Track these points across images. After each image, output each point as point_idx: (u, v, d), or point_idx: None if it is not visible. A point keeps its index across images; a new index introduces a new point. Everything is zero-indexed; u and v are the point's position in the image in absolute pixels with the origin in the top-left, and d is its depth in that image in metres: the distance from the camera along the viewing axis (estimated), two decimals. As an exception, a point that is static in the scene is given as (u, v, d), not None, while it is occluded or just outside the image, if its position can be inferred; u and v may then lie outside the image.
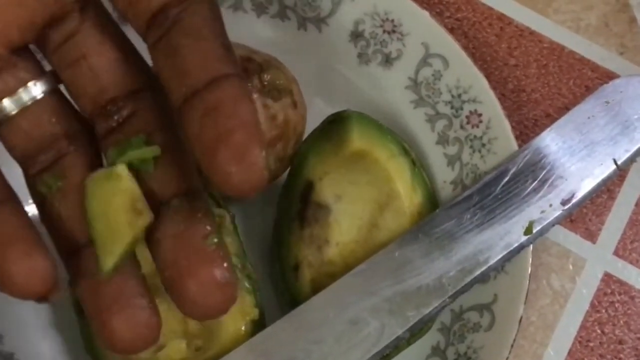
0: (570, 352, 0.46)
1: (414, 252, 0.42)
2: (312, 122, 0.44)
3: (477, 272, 0.41)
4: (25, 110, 0.31)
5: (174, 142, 0.31)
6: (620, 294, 0.47)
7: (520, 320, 0.41)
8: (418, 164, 0.44)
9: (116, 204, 0.29)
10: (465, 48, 0.45)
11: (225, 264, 0.29)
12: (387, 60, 0.46)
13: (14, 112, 0.31)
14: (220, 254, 0.29)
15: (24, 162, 0.31)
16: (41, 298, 0.28)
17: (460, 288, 0.41)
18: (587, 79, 0.49)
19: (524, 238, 0.42)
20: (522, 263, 0.42)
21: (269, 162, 0.27)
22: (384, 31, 0.46)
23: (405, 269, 0.41)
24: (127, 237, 0.29)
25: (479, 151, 0.44)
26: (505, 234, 0.42)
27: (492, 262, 0.41)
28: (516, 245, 0.41)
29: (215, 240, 0.29)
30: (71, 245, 0.30)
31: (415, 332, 0.41)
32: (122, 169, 0.29)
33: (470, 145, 0.45)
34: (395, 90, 0.46)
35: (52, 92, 0.32)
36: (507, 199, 0.42)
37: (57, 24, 0.31)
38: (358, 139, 0.43)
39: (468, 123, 0.45)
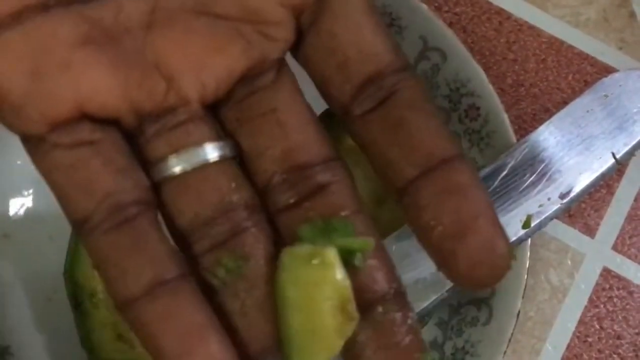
0: (568, 347, 0.46)
1: (411, 246, 0.41)
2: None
3: (475, 266, 0.41)
4: (202, 168, 0.26)
5: (375, 230, 0.26)
6: (618, 289, 0.47)
7: (518, 314, 0.41)
8: (416, 158, 0.44)
9: (322, 299, 0.23)
10: (464, 42, 0.45)
11: None
12: (385, 54, 0.46)
13: (189, 169, 0.26)
14: None
15: (190, 233, 0.26)
16: None
17: (457, 282, 0.41)
18: (586, 74, 0.49)
19: (522, 232, 0.41)
20: (520, 257, 0.42)
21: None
22: (382, 24, 0.45)
23: (402, 263, 0.41)
24: (335, 346, 0.23)
25: (478, 145, 0.44)
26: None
27: (490, 256, 0.41)
28: (514, 239, 0.41)
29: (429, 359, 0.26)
30: (258, 351, 0.25)
31: (413, 326, 0.41)
32: (332, 254, 0.24)
33: (469, 139, 0.44)
34: (393, 84, 0.46)
35: (231, 159, 0.27)
36: (505, 193, 0.42)
37: (251, 79, 0.27)
38: (355, 132, 0.43)
39: (466, 117, 0.45)
